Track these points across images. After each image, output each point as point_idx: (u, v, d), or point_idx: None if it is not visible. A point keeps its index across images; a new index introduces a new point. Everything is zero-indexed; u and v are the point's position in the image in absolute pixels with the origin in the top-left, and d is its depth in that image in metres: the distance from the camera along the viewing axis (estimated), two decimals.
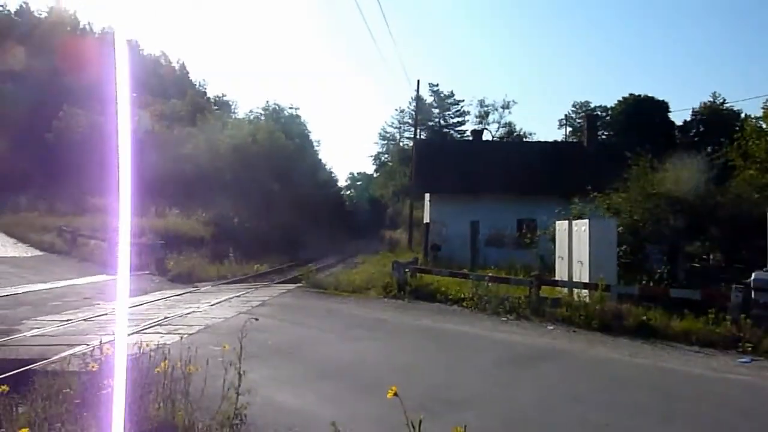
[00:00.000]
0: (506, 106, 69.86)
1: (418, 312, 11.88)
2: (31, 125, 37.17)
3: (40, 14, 63.19)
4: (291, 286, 15.82)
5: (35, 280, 15.49)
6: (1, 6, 66.13)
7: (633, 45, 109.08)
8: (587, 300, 11.14)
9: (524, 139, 63.72)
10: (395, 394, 3.14)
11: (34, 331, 9.34)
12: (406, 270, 14.17)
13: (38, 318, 10.53)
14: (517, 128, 69.93)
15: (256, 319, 5.75)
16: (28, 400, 5.22)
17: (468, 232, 21.15)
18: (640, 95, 56.09)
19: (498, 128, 69.72)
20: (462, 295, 12.65)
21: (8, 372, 6.63)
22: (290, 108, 68.08)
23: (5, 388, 4.66)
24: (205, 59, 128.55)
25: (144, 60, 66.84)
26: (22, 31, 53.57)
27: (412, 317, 11.31)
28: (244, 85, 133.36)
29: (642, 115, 51.43)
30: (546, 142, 39.48)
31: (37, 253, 21.14)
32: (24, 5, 64.30)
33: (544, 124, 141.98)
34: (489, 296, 12.10)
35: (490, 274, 13.40)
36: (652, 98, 55.02)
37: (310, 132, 67.80)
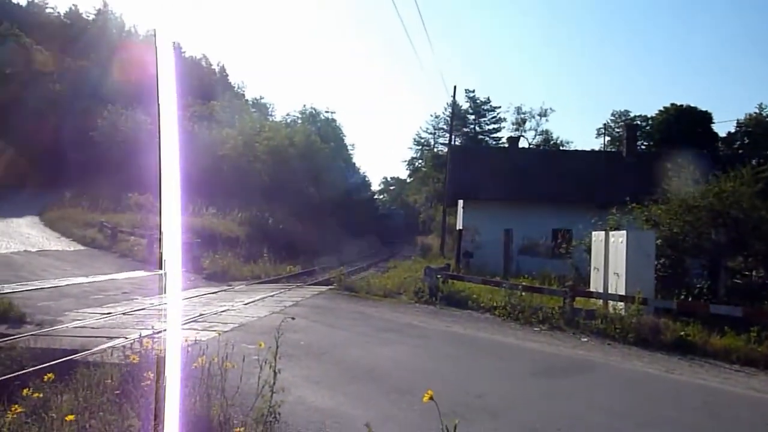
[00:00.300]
0: (543, 114, 69.04)
1: (450, 318, 11.84)
2: (78, 124, 38.41)
3: (89, 16, 65.32)
4: (323, 288, 15.94)
5: (77, 274, 15.99)
6: (52, 8, 68.71)
7: (675, 54, 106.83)
8: (623, 313, 10.93)
9: (561, 148, 62.88)
10: (431, 398, 3.16)
11: (76, 323, 9.66)
12: (438, 276, 14.13)
13: (80, 310, 10.88)
14: (554, 136, 69.03)
15: (293, 318, 5.86)
16: (71, 389, 5.42)
17: (501, 240, 20.95)
18: (682, 105, 54.78)
19: (534, 136, 68.97)
20: (494, 304, 12.55)
21: (53, 361, 6.90)
22: (326, 112, 68.84)
23: (51, 375, 4.86)
24: (244, 62, 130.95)
25: (186, 62, 68.50)
26: (70, 32, 55.44)
27: (444, 323, 11.28)
28: (282, 88, 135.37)
29: (684, 125, 50.23)
30: (584, 151, 38.89)
31: (80, 247, 21.79)
32: (73, 7, 66.60)
33: (582, 133, 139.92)
34: (522, 305, 11.98)
35: (523, 283, 13.27)
36: (694, 109, 53.69)
37: (345, 136, 68.47)
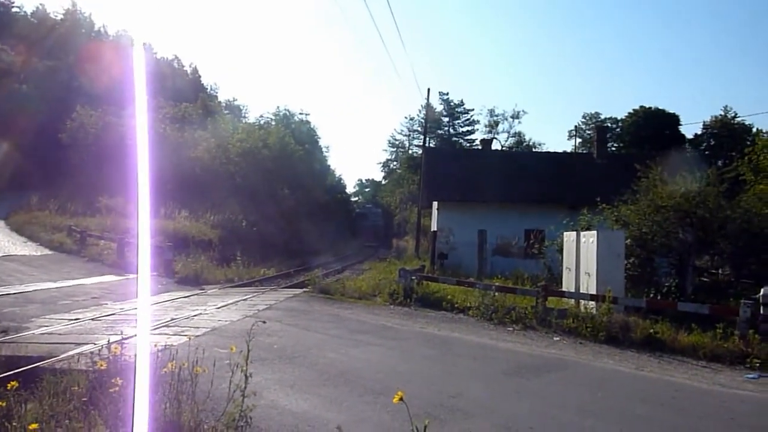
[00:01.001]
0: (516, 116, 70.03)
1: (424, 320, 11.87)
2: (45, 125, 37.55)
3: (56, 16, 63.88)
4: (297, 291, 15.85)
5: (44, 279, 15.61)
6: (18, 7, 67.10)
7: (644, 57, 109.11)
8: (594, 312, 11.11)
9: (534, 149, 63.67)
10: (401, 399, 3.17)
11: (43, 329, 9.42)
12: (413, 277, 14.18)
13: (47, 316, 10.61)
14: (527, 138, 70.01)
15: (263, 322, 5.80)
16: (36, 397, 5.28)
17: (475, 241, 21.10)
18: (650, 108, 55.95)
19: (507, 138, 69.82)
20: (468, 304, 12.64)
21: (17, 369, 6.71)
22: (300, 114, 68.62)
23: (15, 383, 4.73)
24: (216, 63, 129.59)
25: (157, 63, 67.42)
26: (38, 32, 54.19)
27: (418, 325, 11.31)
28: (255, 90, 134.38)
29: (652, 127, 51.32)
30: (555, 153, 39.46)
31: (47, 252, 21.30)
32: (40, 6, 65.13)
33: (553, 135, 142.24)
34: (495, 306, 12.08)
35: (496, 284, 13.38)
36: (663, 111, 54.89)
37: (319, 138, 68.24)
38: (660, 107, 55.52)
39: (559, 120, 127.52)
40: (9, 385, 4.73)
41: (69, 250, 21.53)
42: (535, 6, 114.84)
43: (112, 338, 6.65)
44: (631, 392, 7.29)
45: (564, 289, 13.64)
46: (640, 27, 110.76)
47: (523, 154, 48.67)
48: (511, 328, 11.22)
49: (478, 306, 12.33)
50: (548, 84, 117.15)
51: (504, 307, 11.95)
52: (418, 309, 12.92)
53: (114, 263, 19.11)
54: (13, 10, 66.72)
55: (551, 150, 58.95)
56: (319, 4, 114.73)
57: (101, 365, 5.13)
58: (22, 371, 6.63)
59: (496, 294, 12.51)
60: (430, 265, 22.06)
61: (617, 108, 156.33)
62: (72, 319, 10.36)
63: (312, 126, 68.87)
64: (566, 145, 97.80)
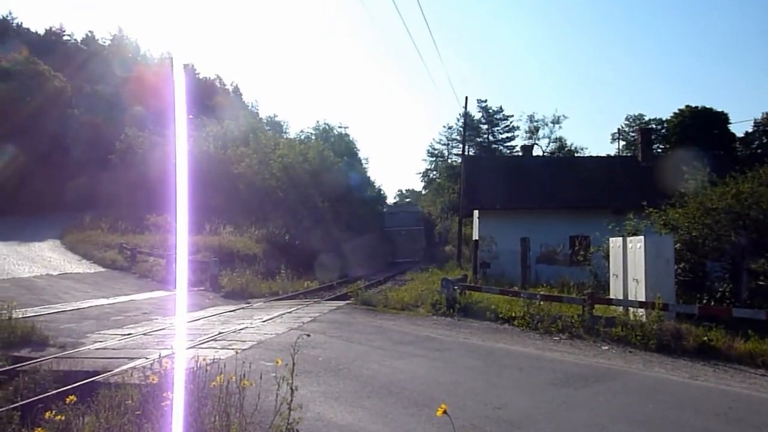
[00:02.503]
0: (556, 121, 68.90)
1: (468, 330, 11.78)
2: (96, 147, 39.13)
3: (104, 42, 66.62)
4: (341, 303, 15.96)
5: (98, 296, 16.19)
6: (69, 35, 70.36)
7: (688, 55, 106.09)
8: (644, 319, 10.80)
9: (576, 154, 62.55)
10: (445, 412, 3.17)
11: (98, 345, 9.78)
12: (456, 287, 14.09)
13: (101, 332, 11.01)
14: (568, 143, 68.74)
15: (308, 335, 5.87)
16: (93, 411, 5.48)
17: (518, 249, 20.83)
18: (697, 107, 54.20)
19: (548, 143, 68.76)
20: (513, 314, 12.48)
21: (75, 383, 6.98)
22: (339, 127, 69.20)
23: (73, 398, 4.93)
24: (257, 81, 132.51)
25: (200, 83, 69.49)
26: (87, 58, 56.61)
27: (462, 335, 11.23)
28: (295, 105, 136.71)
29: (700, 127, 49.66)
30: (598, 157, 38.61)
31: (100, 269, 22.08)
32: (89, 33, 68.09)
33: (596, 139, 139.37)
34: (541, 315, 11.89)
35: (541, 292, 13.17)
36: (710, 110, 53.10)
37: (358, 150, 68.62)
38: (707, 106, 53.76)
39: (601, 124, 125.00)
40: (68, 399, 4.96)
41: (120, 267, 22.27)
42: (571, 8, 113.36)
43: (163, 353, 6.86)
44: (685, 402, 7.05)
45: (611, 296, 13.32)
46: (683, 23, 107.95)
47: (564, 159, 47.90)
48: (557, 338, 11.03)
49: (522, 315, 12.17)
50: (589, 87, 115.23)
51: (549, 316, 11.75)
52: (461, 319, 12.83)
53: (163, 279, 19.66)
54: (65, 38, 70.02)
55: (594, 154, 57.75)
56: (354, 20, 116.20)
57: (153, 379, 5.29)
58: (79, 385, 6.90)
59: (541, 303, 12.33)
60: (473, 275, 21.88)
61: (662, 108, 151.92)
62: (125, 335, 10.71)
63: (351, 138, 69.39)
64: (609, 149, 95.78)
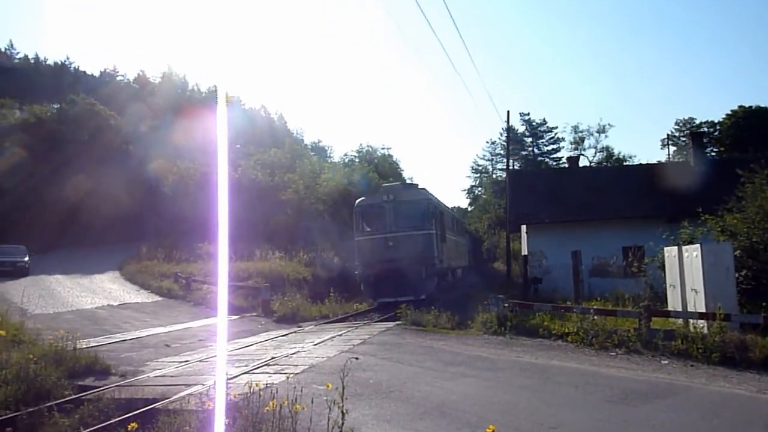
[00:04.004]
0: (602, 131, 67.30)
1: (520, 348, 11.57)
2: (150, 180, 40.73)
3: (155, 80, 69.61)
4: (390, 324, 15.94)
5: (156, 324, 16.72)
6: (122, 76, 73.95)
7: (738, 54, 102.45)
8: (705, 331, 10.38)
9: (624, 163, 60.99)
10: None
11: (156, 372, 10.09)
12: (506, 305, 13.90)
13: (159, 359, 11.36)
14: (616, 152, 67.04)
15: (357, 358, 5.93)
16: None
17: (569, 263, 20.38)
18: (750, 107, 52.24)
19: (595, 153, 67.27)
20: (566, 330, 12.18)
21: (136, 410, 7.23)
22: (382, 148, 69.90)
23: (134, 425, 5.12)
24: (301, 108, 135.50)
25: (245, 113, 71.58)
26: (139, 95, 59.31)
27: (514, 353, 11.04)
28: (338, 130, 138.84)
29: (754, 127, 47.77)
30: (648, 164, 37.52)
31: (157, 298, 22.81)
32: (141, 73, 71.37)
33: (645, 146, 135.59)
34: (595, 330, 11.57)
35: (595, 307, 12.84)
36: (765, 108, 51.06)
37: (402, 170, 68.90)
38: (762, 105, 51.72)
39: (649, 130, 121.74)
40: (129, 426, 5.14)
41: (176, 295, 22.95)
42: (608, 16, 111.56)
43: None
44: (752, 418, 6.73)
45: (669, 308, 12.84)
46: (729, 21, 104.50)
47: (613, 168, 46.79)
48: (613, 353, 10.70)
49: (576, 331, 11.87)
50: (634, 94, 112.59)
51: (604, 331, 11.42)
52: (513, 337, 12.61)
53: (216, 306, 20.13)
54: (118, 78, 73.56)
55: (643, 161, 56.19)
56: (391, 41, 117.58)
57: (208, 405, 5.44)
58: (140, 413, 7.14)
59: (595, 317, 12.01)
60: (524, 291, 21.53)
61: (713, 111, 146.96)
62: (182, 362, 11.02)
63: (394, 159, 69.91)
64: (659, 155, 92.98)
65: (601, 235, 23.82)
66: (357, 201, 24.08)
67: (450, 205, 44.29)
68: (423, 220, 21.64)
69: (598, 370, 9.49)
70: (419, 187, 24.71)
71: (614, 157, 65.32)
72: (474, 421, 6.57)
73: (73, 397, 8.47)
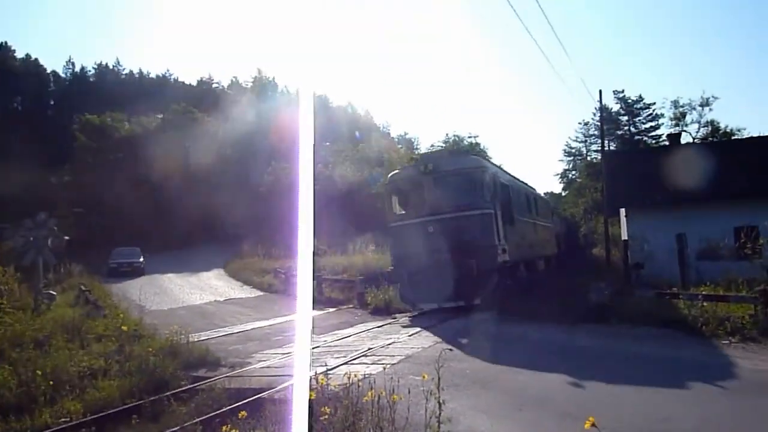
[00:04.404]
0: (706, 104, 62.32)
1: (622, 337, 11.10)
2: (247, 180, 42.79)
3: (246, 84, 72.81)
4: (485, 315, 15.78)
5: (259, 318, 17.59)
6: (217, 83, 77.97)
7: None
8: None
9: (733, 137, 56.45)
10: (593, 425, 3.08)
11: (261, 364, 10.65)
12: (606, 292, 13.39)
13: (264, 351, 11.97)
14: (723, 126, 62.07)
15: (451, 349, 5.96)
16: (261, 425, 6.02)
17: (674, 247, 19.21)
18: None
19: (698, 129, 62.55)
20: (672, 317, 11.56)
21: (245, 399, 7.71)
22: (469, 137, 68.87)
23: (244, 413, 5.48)
24: (387, 102, 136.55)
25: (334, 111, 73.24)
26: (233, 100, 62.26)
27: (615, 342, 10.63)
28: (424, 120, 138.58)
29: None
30: (761, 137, 34.55)
31: (259, 293, 24.00)
32: (234, 79, 74.92)
33: (756, 118, 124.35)
34: (705, 317, 10.90)
35: (703, 292, 12.08)
36: None
37: (490, 158, 67.75)
38: None
39: (761, 100, 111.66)
40: (240, 414, 5.50)
41: (277, 290, 24.00)
42: None
43: (319, 369, 7.34)
44: None
45: None
46: None
47: (720, 143, 43.42)
48: (726, 341, 10.04)
49: (683, 318, 11.24)
50: (740, 61, 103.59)
51: (715, 318, 10.74)
52: (614, 325, 12.12)
53: (315, 299, 20.85)
54: (213, 85, 77.62)
55: (755, 135, 51.70)
56: (476, 26, 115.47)
57: (311, 395, 5.69)
58: (249, 402, 7.60)
59: (704, 304, 11.30)
60: (625, 277, 20.58)
61: None
62: (284, 353, 11.54)
63: (482, 147, 68.83)
64: None
65: (709, 215, 22.23)
66: (389, 175, 19.21)
67: (542, 192, 40.45)
68: (476, 195, 15.85)
69: (710, 359, 8.97)
70: (472, 155, 19.29)
71: (722, 131, 60.60)
72: (575, 412, 6.41)
73: (188, 387, 9.12)
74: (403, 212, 17.32)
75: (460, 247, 15.18)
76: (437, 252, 15.51)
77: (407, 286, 16.53)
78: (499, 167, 21.61)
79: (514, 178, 22.39)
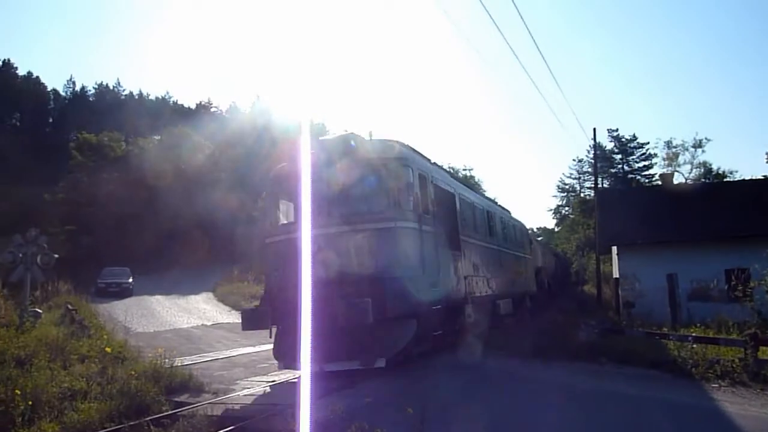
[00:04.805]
0: (698, 145, 63.18)
1: (611, 376, 11.00)
2: (241, 205, 42.72)
3: (245, 110, 73.48)
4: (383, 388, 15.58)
5: (246, 344, 17.35)
6: (215, 107, 78.68)
7: None
8: None
9: (725, 179, 57.05)
10: None
11: (246, 391, 10.46)
12: (596, 330, 13.34)
13: (249, 378, 11.78)
14: (715, 167, 62.77)
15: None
16: None
17: (665, 286, 19.25)
18: None
19: (691, 170, 63.28)
20: (662, 358, 11.49)
21: (227, 427, 7.57)
22: (464, 169, 69.46)
23: None
24: (384, 131, 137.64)
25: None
26: (231, 124, 62.61)
27: (604, 382, 10.52)
28: (422, 151, 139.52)
29: None
30: (752, 180, 34.98)
31: None
32: (233, 104, 75.69)
33: (747, 161, 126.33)
34: (695, 359, 10.85)
35: (693, 334, 12.05)
36: None
37: (485, 191, 68.15)
38: None
39: (752, 143, 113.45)
40: None
41: None
42: (701, 26, 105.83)
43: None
44: None
45: None
46: None
47: (712, 185, 43.93)
48: (716, 385, 9.96)
49: (673, 360, 11.18)
50: (732, 105, 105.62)
51: (705, 361, 10.68)
52: (604, 365, 12.01)
53: None
54: (212, 109, 78.25)
55: (747, 177, 52.22)
56: (473, 64, 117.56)
57: (293, 426, 5.60)
58: (230, 430, 7.45)
59: (694, 345, 11.26)
60: (616, 316, 20.56)
61: None
62: (269, 381, 11.37)
63: (477, 180, 69.30)
64: (765, 170, 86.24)
65: (700, 256, 22.35)
66: (275, 169, 12.91)
67: (535, 227, 39.49)
68: (389, 200, 10.49)
69: (699, 402, 8.89)
70: (392, 141, 11.71)
71: (714, 173, 61.29)
72: None
73: (170, 412, 8.92)
74: (287, 222, 12.02)
75: (357, 278, 9.91)
76: (323, 284, 9.51)
77: (281, 335, 11.30)
78: (443, 167, 16.39)
79: (468, 187, 17.95)
